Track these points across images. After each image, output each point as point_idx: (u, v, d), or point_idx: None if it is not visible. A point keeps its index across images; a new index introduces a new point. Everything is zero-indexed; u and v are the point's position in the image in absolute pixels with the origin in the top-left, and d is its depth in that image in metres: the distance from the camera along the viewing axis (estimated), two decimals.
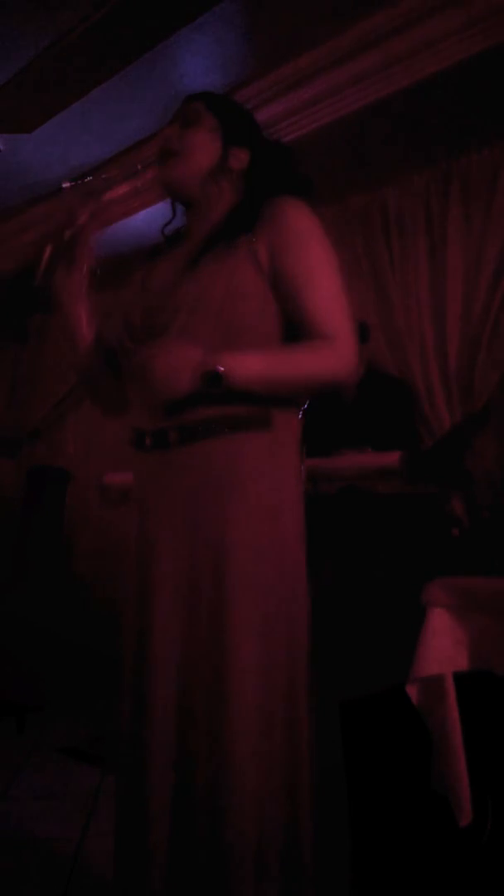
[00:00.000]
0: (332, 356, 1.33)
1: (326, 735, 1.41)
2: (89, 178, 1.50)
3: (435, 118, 2.88)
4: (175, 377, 1.27)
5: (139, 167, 1.50)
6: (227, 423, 1.33)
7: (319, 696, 1.36)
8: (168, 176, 1.47)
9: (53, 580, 3.84)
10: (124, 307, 1.50)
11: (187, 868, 1.25)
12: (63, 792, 2.59)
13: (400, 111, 2.84)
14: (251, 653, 1.27)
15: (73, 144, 3.41)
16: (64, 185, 1.49)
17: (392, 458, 2.13)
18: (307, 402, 1.43)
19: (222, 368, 1.26)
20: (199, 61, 2.86)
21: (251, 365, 1.30)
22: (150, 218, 3.19)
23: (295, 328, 1.36)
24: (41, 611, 3.60)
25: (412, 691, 1.83)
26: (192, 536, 1.32)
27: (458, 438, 2.90)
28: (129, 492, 1.48)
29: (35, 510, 4.03)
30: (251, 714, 1.26)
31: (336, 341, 1.32)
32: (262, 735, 1.26)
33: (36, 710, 3.43)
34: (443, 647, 1.84)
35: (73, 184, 1.50)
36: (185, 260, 1.43)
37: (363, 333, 2.61)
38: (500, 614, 1.82)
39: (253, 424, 1.34)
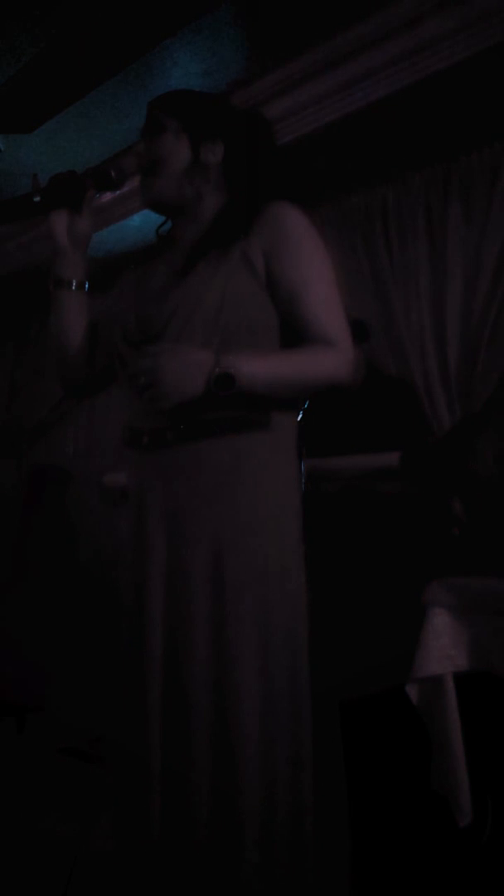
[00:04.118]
0: (335, 360, 1.35)
1: (326, 735, 1.41)
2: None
3: (435, 118, 2.88)
4: (187, 381, 1.26)
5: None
6: (225, 423, 1.33)
7: (319, 696, 1.36)
8: (148, 196, 1.46)
9: (53, 580, 3.83)
10: (118, 310, 1.49)
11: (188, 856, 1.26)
12: (63, 792, 2.59)
13: (400, 111, 2.84)
14: (251, 652, 1.28)
15: (73, 144, 3.41)
16: (35, 199, 1.44)
17: (392, 458, 2.14)
18: (306, 403, 1.44)
19: (233, 370, 1.26)
20: (198, 61, 2.87)
21: (260, 367, 1.30)
22: (148, 219, 3.20)
23: (292, 330, 1.37)
24: (41, 611, 3.60)
25: (412, 691, 1.84)
26: (190, 537, 1.32)
27: (459, 439, 2.90)
28: (128, 491, 1.47)
29: (35, 510, 4.03)
30: (253, 713, 1.26)
31: (336, 345, 1.34)
32: (264, 731, 1.27)
33: (36, 710, 3.43)
34: (443, 647, 1.84)
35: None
36: (178, 264, 1.42)
37: (363, 332, 2.61)
38: (500, 614, 1.82)
39: (251, 425, 1.34)
